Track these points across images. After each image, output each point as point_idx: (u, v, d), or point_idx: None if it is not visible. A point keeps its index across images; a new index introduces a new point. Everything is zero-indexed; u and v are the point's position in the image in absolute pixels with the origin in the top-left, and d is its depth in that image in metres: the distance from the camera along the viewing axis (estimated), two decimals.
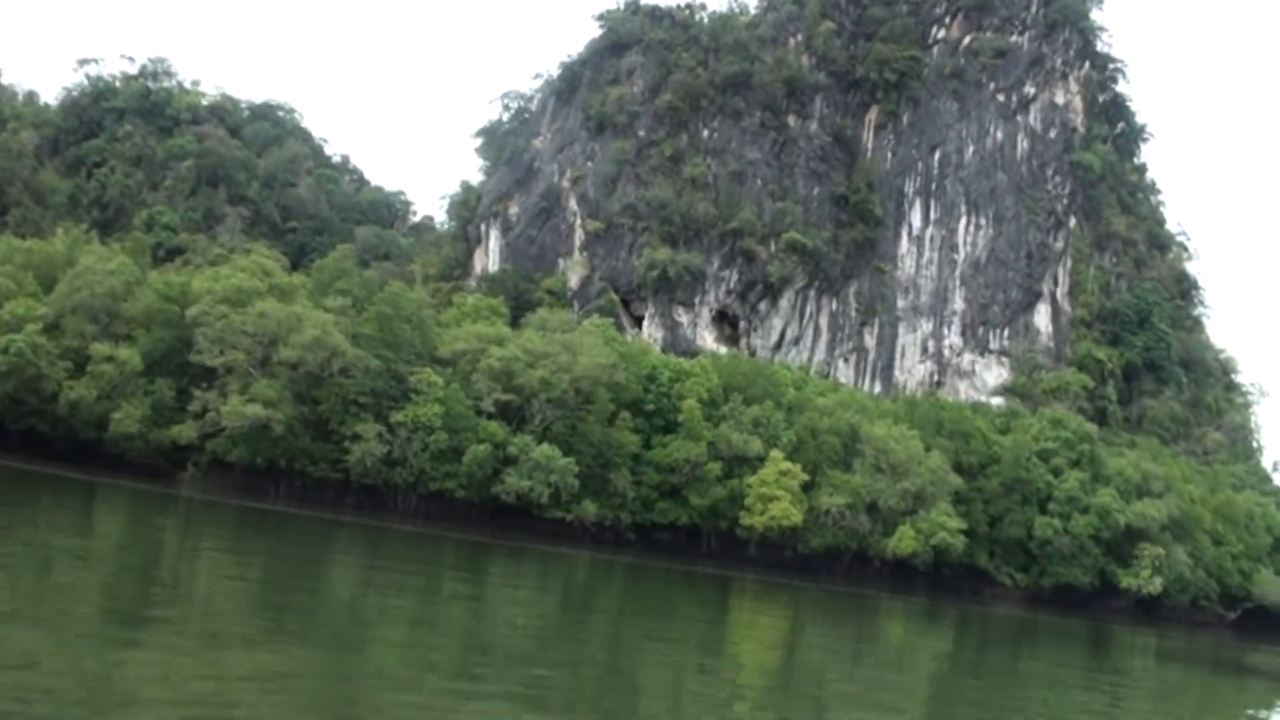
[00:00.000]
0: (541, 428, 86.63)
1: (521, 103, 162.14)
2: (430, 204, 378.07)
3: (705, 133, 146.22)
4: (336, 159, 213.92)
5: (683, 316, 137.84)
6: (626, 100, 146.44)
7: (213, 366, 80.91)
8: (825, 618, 73.83)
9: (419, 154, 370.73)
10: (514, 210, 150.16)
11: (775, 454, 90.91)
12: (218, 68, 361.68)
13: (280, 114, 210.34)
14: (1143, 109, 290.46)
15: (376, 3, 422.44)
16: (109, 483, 78.35)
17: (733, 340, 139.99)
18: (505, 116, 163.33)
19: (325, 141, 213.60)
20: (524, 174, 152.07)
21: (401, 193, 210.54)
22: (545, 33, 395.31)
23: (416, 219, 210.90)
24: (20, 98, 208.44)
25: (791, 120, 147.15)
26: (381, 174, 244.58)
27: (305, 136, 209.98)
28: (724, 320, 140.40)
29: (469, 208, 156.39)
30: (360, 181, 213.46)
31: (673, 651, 44.55)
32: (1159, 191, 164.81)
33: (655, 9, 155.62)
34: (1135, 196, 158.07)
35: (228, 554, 55.29)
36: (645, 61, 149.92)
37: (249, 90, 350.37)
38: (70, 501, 67.14)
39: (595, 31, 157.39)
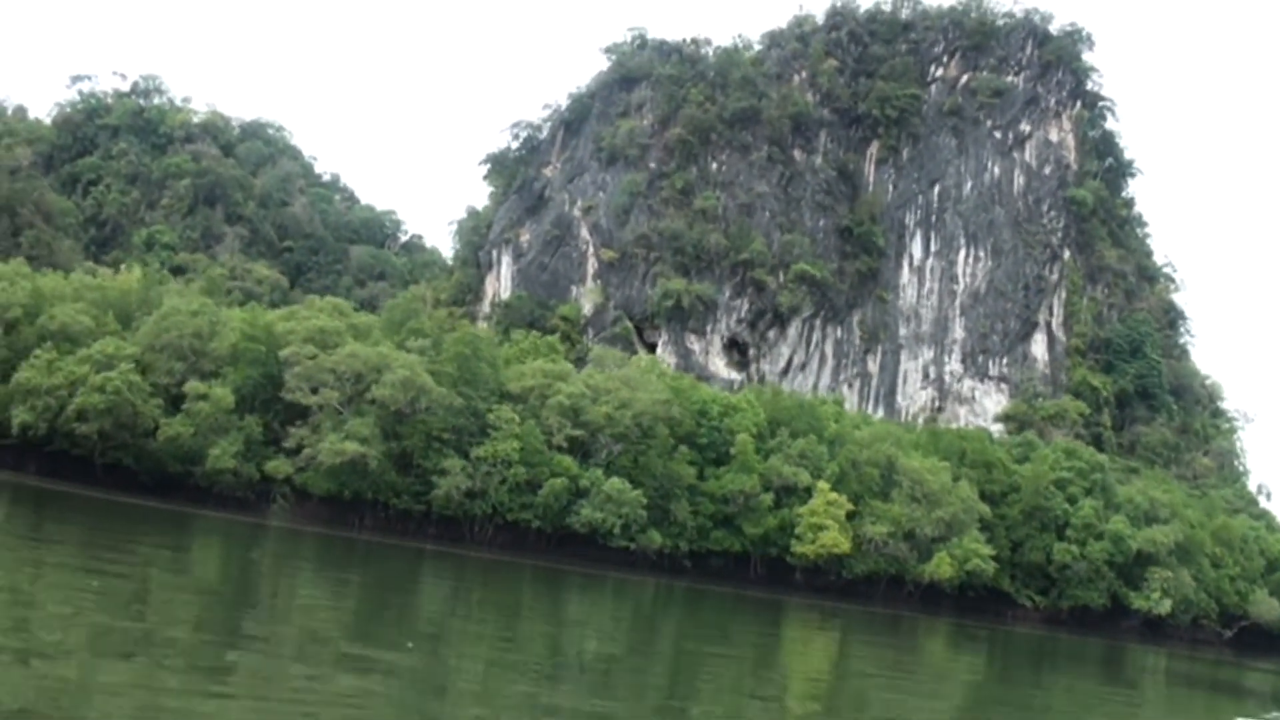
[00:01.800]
0: (606, 461, 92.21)
1: (530, 131, 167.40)
2: (419, 223, 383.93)
3: (714, 165, 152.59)
4: (327, 177, 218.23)
5: (695, 344, 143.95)
6: (637, 133, 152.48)
7: (305, 405, 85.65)
8: (873, 636, 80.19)
9: (407, 172, 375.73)
10: (525, 238, 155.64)
11: (821, 485, 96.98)
12: (207, 84, 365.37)
13: (270, 132, 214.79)
14: (1130, 145, 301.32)
15: (358, 19, 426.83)
16: (198, 513, 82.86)
17: (742, 366, 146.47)
18: (514, 144, 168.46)
19: (315, 160, 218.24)
20: (534, 202, 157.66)
21: (392, 212, 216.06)
22: (541, 50, 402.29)
23: (405, 238, 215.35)
24: (10, 112, 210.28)
25: (797, 154, 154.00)
26: (370, 192, 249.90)
27: (295, 155, 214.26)
28: (734, 347, 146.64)
29: (479, 234, 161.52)
30: (351, 200, 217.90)
31: (750, 659, 51.06)
32: (1146, 224, 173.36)
33: (663, 43, 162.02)
34: (1124, 229, 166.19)
35: (322, 580, 60.20)
36: (654, 95, 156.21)
37: (238, 107, 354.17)
38: (166, 532, 71.18)
39: (601, 63, 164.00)
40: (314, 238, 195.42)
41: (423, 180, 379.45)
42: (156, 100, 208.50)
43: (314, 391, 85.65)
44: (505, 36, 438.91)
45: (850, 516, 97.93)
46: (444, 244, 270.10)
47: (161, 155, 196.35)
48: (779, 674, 50.45)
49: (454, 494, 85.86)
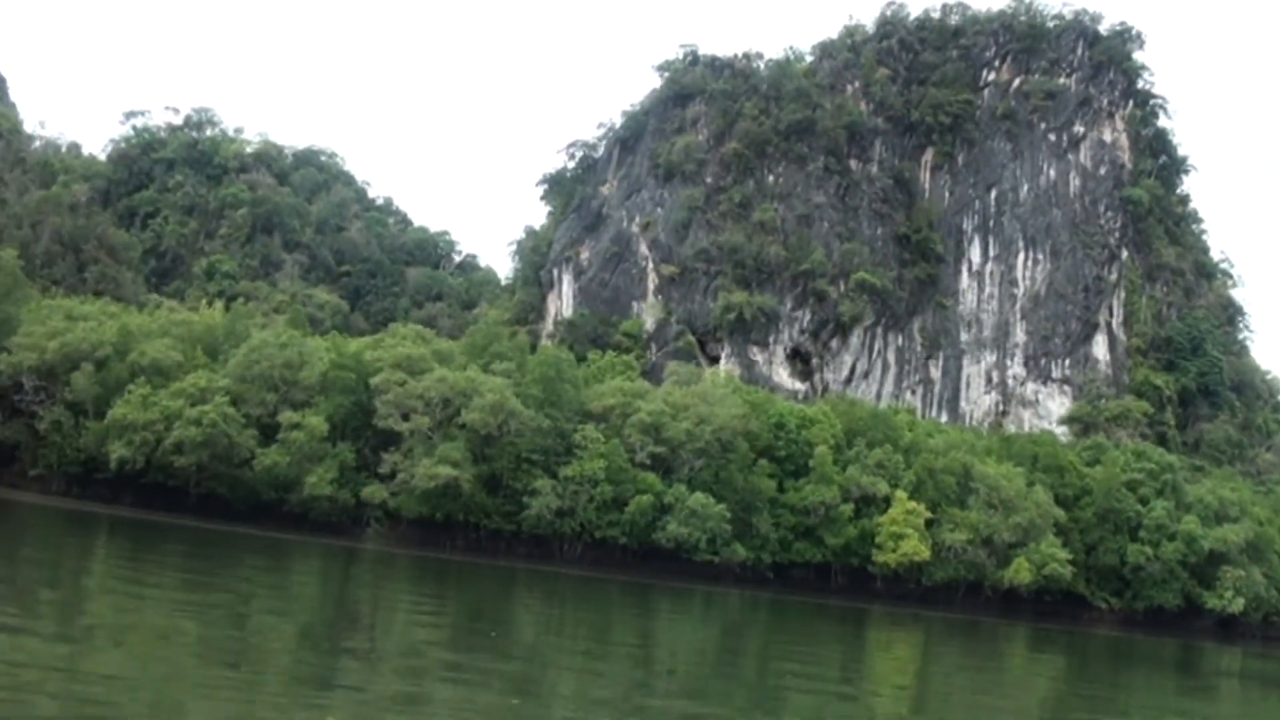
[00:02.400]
0: (688, 476, 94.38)
1: (585, 150, 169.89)
2: (473, 242, 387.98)
3: (771, 178, 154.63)
4: (380, 201, 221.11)
5: (758, 355, 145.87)
6: (693, 149, 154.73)
7: (397, 431, 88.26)
8: (954, 641, 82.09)
9: (459, 193, 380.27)
10: (585, 255, 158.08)
11: (900, 494, 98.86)
12: (258, 114, 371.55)
13: (323, 159, 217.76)
14: (1183, 141, 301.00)
15: (403, 45, 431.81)
16: (293, 539, 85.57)
17: (805, 376, 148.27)
18: (570, 164, 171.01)
19: (368, 185, 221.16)
20: (593, 220, 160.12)
21: (446, 233, 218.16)
22: (590, 68, 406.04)
23: (459, 258, 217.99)
24: (64, 149, 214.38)
25: (853, 164, 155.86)
26: (423, 214, 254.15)
27: (349, 180, 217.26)
28: (797, 357, 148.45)
29: (539, 253, 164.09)
30: (404, 223, 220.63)
31: (836, 664, 53.22)
32: (1201, 221, 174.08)
33: (715, 59, 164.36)
34: (1180, 227, 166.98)
35: (419, 598, 62.99)
36: (709, 111, 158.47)
37: (289, 136, 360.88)
38: (264, 557, 74.06)
39: (653, 80, 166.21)
40: (371, 261, 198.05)
41: (474, 200, 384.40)
42: (209, 132, 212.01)
43: (405, 418, 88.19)
44: (552, 55, 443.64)
45: (928, 524, 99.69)
46: (498, 263, 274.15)
47: (217, 186, 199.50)
48: (865, 678, 52.44)
49: (545, 513, 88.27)
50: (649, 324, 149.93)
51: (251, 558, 72.96)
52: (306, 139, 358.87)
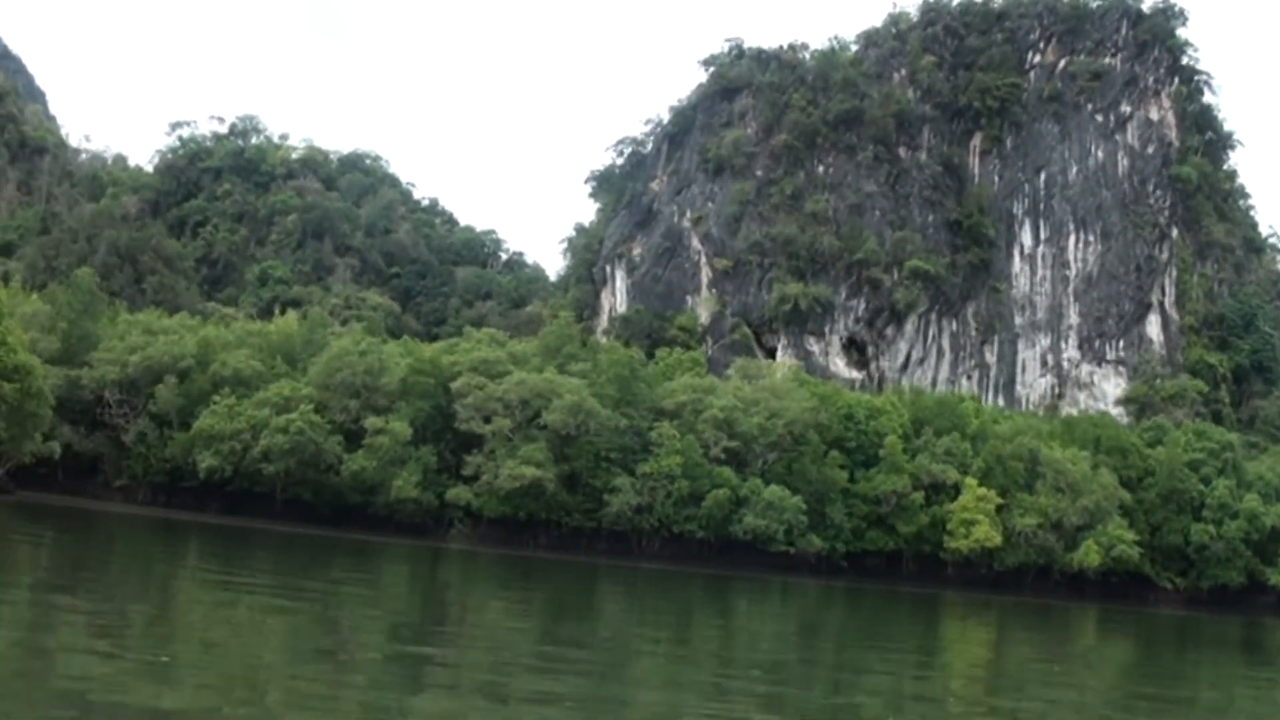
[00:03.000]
0: (761, 470, 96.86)
1: (634, 147, 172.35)
2: (518, 240, 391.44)
3: (821, 169, 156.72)
4: (425, 202, 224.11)
5: (814, 345, 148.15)
6: (742, 142, 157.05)
7: (478, 433, 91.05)
8: (1027, 624, 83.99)
9: (501, 190, 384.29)
10: (637, 251, 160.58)
11: (969, 481, 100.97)
12: (301, 119, 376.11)
13: (368, 162, 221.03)
14: (1228, 117, 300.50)
15: (438, 46, 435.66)
16: (377, 540, 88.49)
17: (861, 365, 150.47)
18: (619, 161, 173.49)
19: (413, 186, 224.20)
20: (644, 216, 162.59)
21: (492, 231, 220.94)
22: (630, 62, 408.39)
23: (505, 256, 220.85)
24: (110, 162, 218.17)
25: (902, 151, 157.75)
26: (468, 213, 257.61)
27: (394, 182, 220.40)
28: (853, 346, 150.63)
29: (592, 250, 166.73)
30: (450, 223, 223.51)
31: (912, 649, 55.50)
32: (1249, 196, 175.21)
33: (760, 52, 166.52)
34: (1228, 203, 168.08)
35: (507, 593, 65.75)
36: (756, 104, 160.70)
37: (333, 140, 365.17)
38: (353, 558, 76.86)
39: (697, 75, 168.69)
40: (420, 262, 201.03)
41: (518, 198, 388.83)
42: (254, 140, 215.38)
43: (486, 420, 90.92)
44: (590, 50, 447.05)
45: (998, 510, 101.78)
46: (545, 259, 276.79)
47: (265, 193, 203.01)
48: (941, 661, 54.50)
49: (626, 510, 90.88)
50: (704, 317, 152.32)
51: (341, 559, 75.85)
52: (350, 143, 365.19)
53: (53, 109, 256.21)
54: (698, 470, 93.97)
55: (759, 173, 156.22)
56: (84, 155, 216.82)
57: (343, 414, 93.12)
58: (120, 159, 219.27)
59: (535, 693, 32.13)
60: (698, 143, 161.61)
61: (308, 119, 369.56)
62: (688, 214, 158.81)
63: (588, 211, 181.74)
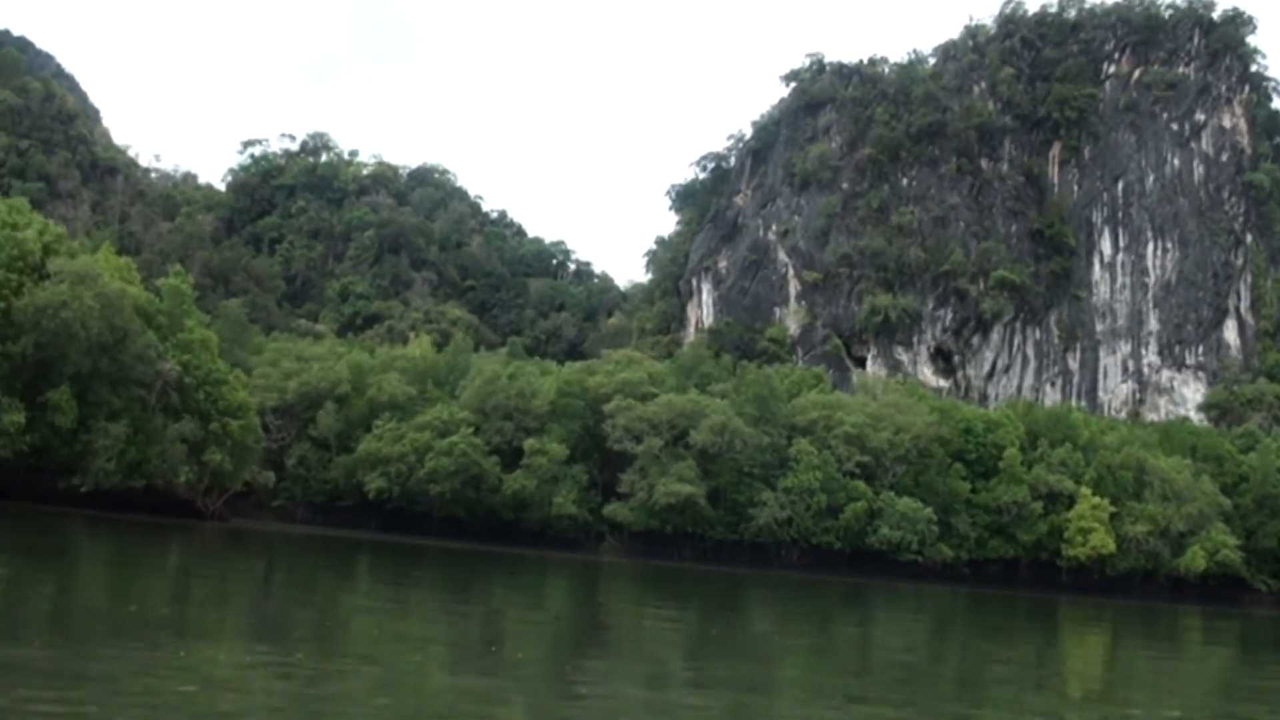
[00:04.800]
0: (890, 482, 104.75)
1: (717, 161, 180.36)
2: (586, 250, 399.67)
3: (905, 181, 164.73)
4: (494, 215, 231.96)
5: (903, 355, 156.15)
6: (827, 156, 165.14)
7: (630, 452, 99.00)
8: (1138, 627, 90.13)
9: (566, 199, 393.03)
10: (723, 264, 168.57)
11: (1084, 490, 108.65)
12: (369, 135, 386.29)
13: (437, 176, 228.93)
14: None
15: (494, 59, 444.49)
16: (531, 554, 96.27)
17: (948, 373, 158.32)
18: (701, 175, 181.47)
19: (481, 199, 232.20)
20: (729, 230, 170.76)
21: (561, 242, 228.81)
22: (698, 72, 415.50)
23: (574, 266, 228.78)
24: (179, 180, 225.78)
25: (984, 163, 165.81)
26: (536, 224, 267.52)
27: (463, 196, 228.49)
28: (939, 355, 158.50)
29: (677, 264, 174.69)
30: (520, 234, 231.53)
31: (1033, 653, 62.36)
32: None
33: (842, 66, 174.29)
34: None
35: (661, 601, 72.85)
36: (840, 119, 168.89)
37: (401, 155, 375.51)
38: (513, 571, 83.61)
39: (771, 91, 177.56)
40: (494, 275, 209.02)
41: (581, 207, 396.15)
42: (325, 157, 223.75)
43: (637, 440, 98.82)
44: (640, 62, 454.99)
45: (1110, 518, 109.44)
46: (612, 269, 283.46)
47: (339, 209, 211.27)
48: (1059, 666, 59.17)
49: (771, 523, 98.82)
50: (793, 328, 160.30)
51: (503, 573, 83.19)
52: (416, 156, 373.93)
53: (110, 127, 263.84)
54: (833, 484, 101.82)
55: (844, 186, 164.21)
56: (154, 174, 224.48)
57: (497, 436, 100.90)
58: (191, 177, 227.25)
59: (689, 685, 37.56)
60: (782, 157, 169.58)
61: (372, 133, 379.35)
62: (773, 227, 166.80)
63: (654, 219, 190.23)
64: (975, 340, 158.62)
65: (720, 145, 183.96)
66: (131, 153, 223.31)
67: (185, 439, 78.78)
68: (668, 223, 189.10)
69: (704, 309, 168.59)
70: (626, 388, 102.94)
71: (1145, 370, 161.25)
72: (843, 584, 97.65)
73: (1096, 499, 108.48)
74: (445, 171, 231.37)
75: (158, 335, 79.38)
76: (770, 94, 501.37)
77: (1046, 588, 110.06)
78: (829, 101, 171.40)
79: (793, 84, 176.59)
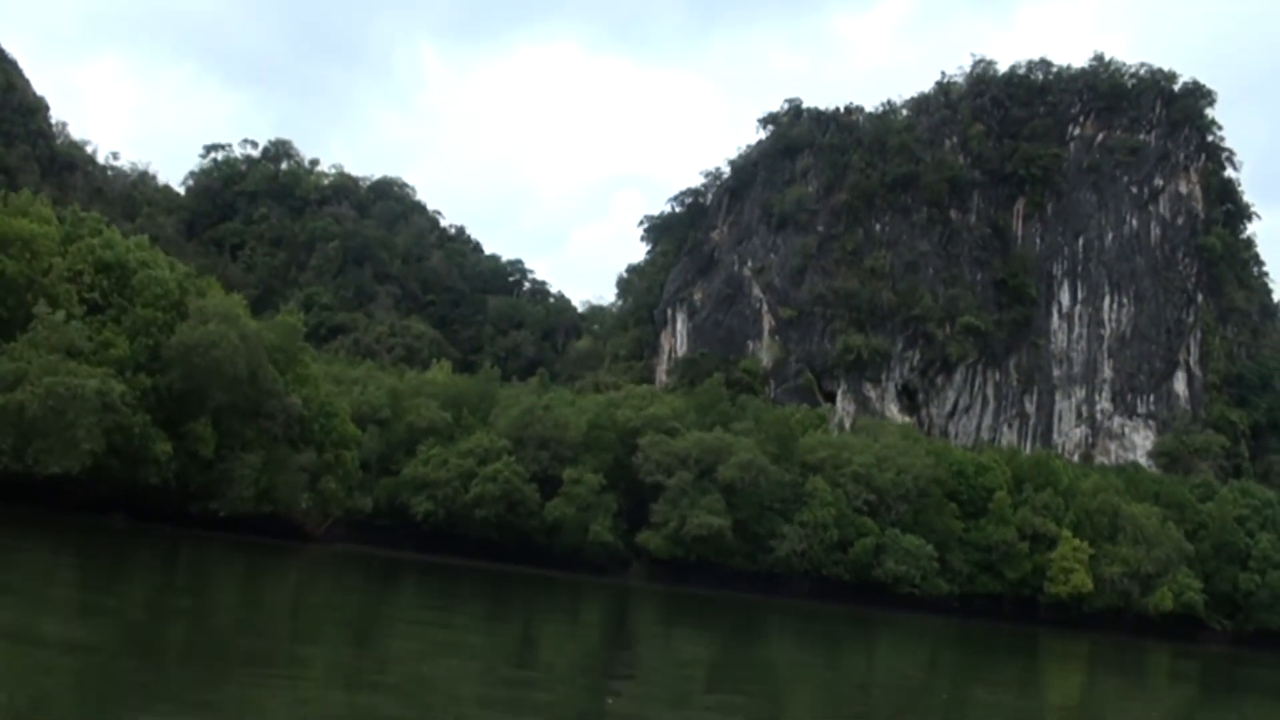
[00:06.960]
0: (893, 519, 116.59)
1: (692, 197, 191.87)
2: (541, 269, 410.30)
3: (878, 226, 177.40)
4: (453, 230, 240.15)
5: (871, 392, 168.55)
6: (804, 199, 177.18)
7: (661, 484, 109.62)
8: (1110, 658, 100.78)
9: (516, 217, 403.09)
10: (698, 296, 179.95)
11: (1065, 533, 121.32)
12: (328, 144, 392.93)
13: (397, 189, 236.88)
14: (1246, 190, 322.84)
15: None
16: (563, 577, 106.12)
17: (912, 410, 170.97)
18: (677, 209, 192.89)
19: (440, 214, 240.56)
20: (705, 263, 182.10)
21: (519, 260, 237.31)
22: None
23: (528, 285, 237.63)
24: (135, 178, 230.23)
25: (953, 214, 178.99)
26: (492, 242, 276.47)
27: (423, 210, 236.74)
28: (905, 393, 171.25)
29: (652, 293, 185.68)
30: (477, 250, 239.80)
31: (1015, 682, 73.98)
32: (1264, 264, 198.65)
33: (819, 113, 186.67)
34: (1246, 271, 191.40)
35: (686, 624, 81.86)
36: (817, 163, 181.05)
37: (361, 166, 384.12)
38: (546, 593, 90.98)
39: (746, 134, 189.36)
40: (454, 290, 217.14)
41: (534, 224, 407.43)
42: (285, 164, 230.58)
43: (668, 474, 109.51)
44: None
45: (1089, 559, 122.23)
46: (568, 289, 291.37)
47: (300, 217, 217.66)
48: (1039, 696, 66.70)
49: (791, 555, 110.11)
50: (766, 361, 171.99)
51: (538, 594, 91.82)
52: (375, 168, 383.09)
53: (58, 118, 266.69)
54: (844, 520, 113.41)
55: (820, 228, 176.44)
56: (110, 172, 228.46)
57: (534, 464, 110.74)
58: (149, 178, 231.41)
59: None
60: (760, 197, 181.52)
61: (335, 145, 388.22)
62: (749, 263, 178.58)
63: (612, 243, 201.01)
64: (940, 380, 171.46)
65: (697, 182, 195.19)
66: (89, 149, 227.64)
67: (305, 468, 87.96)
68: (627, 248, 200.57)
69: (678, 338, 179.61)
70: (654, 423, 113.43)
71: (1098, 416, 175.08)
72: (844, 613, 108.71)
73: (1077, 541, 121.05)
74: (404, 185, 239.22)
75: (277, 369, 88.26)
76: (733, 137, 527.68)
77: (1027, 621, 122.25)
78: (807, 146, 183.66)
79: (770, 127, 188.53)
